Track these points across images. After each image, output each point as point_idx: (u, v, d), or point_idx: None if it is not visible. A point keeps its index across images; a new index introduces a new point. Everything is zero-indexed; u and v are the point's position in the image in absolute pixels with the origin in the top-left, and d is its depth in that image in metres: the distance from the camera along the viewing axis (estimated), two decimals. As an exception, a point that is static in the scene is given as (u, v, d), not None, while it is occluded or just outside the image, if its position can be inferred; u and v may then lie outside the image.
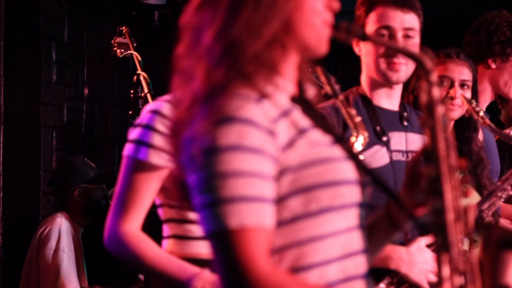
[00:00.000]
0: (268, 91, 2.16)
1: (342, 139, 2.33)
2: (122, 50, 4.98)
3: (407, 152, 3.74)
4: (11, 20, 7.47)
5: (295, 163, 2.11)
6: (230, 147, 2.00)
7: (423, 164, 2.26)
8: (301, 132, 2.16)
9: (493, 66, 5.04)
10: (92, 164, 6.63)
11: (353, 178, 2.25)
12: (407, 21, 3.64)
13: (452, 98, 4.25)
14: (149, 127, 3.13)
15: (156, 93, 4.48)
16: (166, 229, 3.31)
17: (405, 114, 3.81)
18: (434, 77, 2.27)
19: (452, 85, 4.29)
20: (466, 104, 4.16)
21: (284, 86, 2.23)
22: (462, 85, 4.30)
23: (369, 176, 2.32)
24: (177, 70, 2.26)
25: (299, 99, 2.28)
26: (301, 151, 2.12)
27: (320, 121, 2.29)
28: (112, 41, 5.03)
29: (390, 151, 3.71)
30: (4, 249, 7.24)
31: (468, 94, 4.33)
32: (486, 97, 5.06)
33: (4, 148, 7.40)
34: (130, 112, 4.72)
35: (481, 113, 4.13)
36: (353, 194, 2.24)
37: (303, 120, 2.21)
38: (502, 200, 4.01)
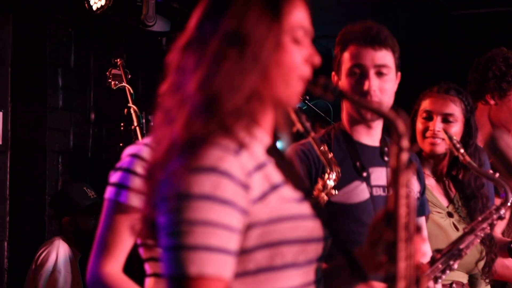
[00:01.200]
0: (246, 142, 2.20)
1: (311, 193, 2.39)
2: (116, 82, 5.05)
3: (387, 187, 3.74)
4: (18, 47, 7.60)
5: (265, 217, 2.16)
6: (203, 196, 2.04)
7: (384, 225, 2.30)
8: (273, 187, 2.20)
9: (492, 102, 5.03)
10: (91, 194, 6.64)
11: (319, 235, 2.31)
12: (378, 58, 3.66)
13: (430, 131, 4.31)
14: (129, 171, 3.18)
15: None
16: (148, 268, 3.36)
17: (386, 149, 3.83)
18: (405, 142, 2.29)
19: (431, 118, 4.35)
20: (447, 139, 4.18)
21: (261, 137, 2.28)
22: (445, 119, 4.33)
23: (331, 233, 2.38)
24: (160, 107, 2.31)
25: (273, 151, 2.33)
26: (272, 206, 2.17)
27: (291, 174, 2.34)
28: (108, 72, 5.11)
29: (370, 186, 3.71)
30: (10, 272, 7.34)
31: (455, 129, 4.36)
32: (486, 134, 5.03)
33: (11, 172, 7.51)
34: (121, 144, 4.78)
35: (461, 150, 4.14)
36: (317, 250, 2.31)
37: (276, 175, 2.25)
38: (479, 239, 4.01)
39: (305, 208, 2.29)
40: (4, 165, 7.48)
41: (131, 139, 4.68)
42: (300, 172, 2.51)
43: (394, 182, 2.30)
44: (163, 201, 2.11)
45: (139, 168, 3.14)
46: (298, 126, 3.37)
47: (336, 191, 3.49)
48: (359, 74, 3.67)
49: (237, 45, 2.19)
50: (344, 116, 3.85)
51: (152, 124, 3.50)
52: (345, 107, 3.82)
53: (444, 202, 4.40)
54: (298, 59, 2.29)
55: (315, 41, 2.41)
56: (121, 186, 3.17)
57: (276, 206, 2.18)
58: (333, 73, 3.82)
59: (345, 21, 3.87)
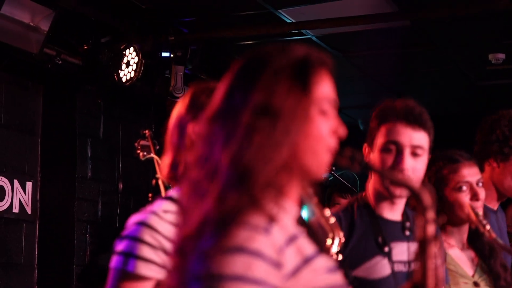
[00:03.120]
0: (276, 216, 2.19)
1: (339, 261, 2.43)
2: (145, 153, 5.10)
3: (409, 262, 3.74)
4: (48, 117, 7.74)
5: None
6: (235, 277, 2.04)
7: None
8: (306, 260, 2.19)
9: (495, 165, 4.96)
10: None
11: None
12: (416, 139, 3.66)
13: (477, 199, 4.26)
14: (136, 239, 3.13)
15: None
16: None
17: (407, 223, 3.81)
18: (431, 214, 2.33)
19: (472, 188, 4.29)
20: (473, 215, 4.16)
21: (290, 209, 2.29)
22: (477, 184, 4.31)
23: None
24: (187, 178, 2.31)
25: (303, 221, 2.39)
26: (305, 280, 2.17)
27: (322, 244, 2.39)
28: (136, 143, 5.17)
29: (391, 262, 3.69)
30: None
31: (483, 193, 4.34)
32: (492, 196, 5.00)
33: (39, 242, 7.56)
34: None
35: (488, 227, 4.11)
36: None
37: (308, 246, 2.25)
38: None
39: (338, 277, 2.28)
40: (33, 235, 7.54)
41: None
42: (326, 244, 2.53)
43: (421, 253, 2.33)
44: (196, 280, 2.10)
45: (147, 236, 3.11)
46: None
47: (341, 256, 3.50)
48: (394, 151, 3.67)
49: (268, 118, 2.19)
50: (370, 189, 3.85)
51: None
52: (372, 181, 3.82)
53: (469, 271, 4.37)
54: (325, 130, 2.30)
55: (341, 111, 2.43)
56: (128, 255, 3.12)
57: (309, 279, 2.18)
58: (365, 144, 3.82)
59: (371, 92, 3.94)
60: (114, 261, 3.17)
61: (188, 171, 2.33)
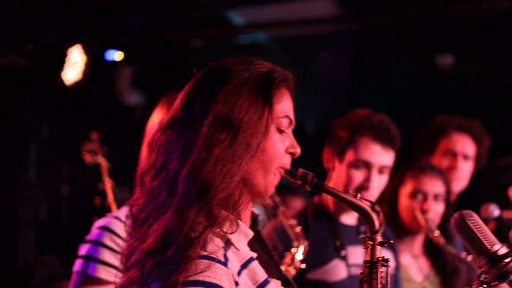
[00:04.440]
0: (232, 239, 2.18)
1: (288, 281, 2.39)
2: (91, 156, 4.99)
3: (362, 279, 3.78)
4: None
5: None
6: None
7: None
8: (258, 286, 2.20)
9: None
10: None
11: None
12: (386, 160, 3.77)
13: (426, 211, 4.31)
14: (98, 243, 3.18)
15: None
16: None
17: (362, 227, 3.84)
18: (379, 237, 2.38)
19: (426, 198, 4.36)
20: (423, 221, 4.22)
21: (245, 231, 2.26)
22: (436, 198, 4.36)
23: None
24: (141, 185, 2.28)
25: (255, 243, 2.32)
26: None
27: (274, 266, 2.37)
28: (83, 146, 5.05)
29: (348, 265, 3.72)
30: None
31: (441, 207, 4.38)
32: None
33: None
34: (94, 218, 4.71)
35: (436, 232, 4.20)
36: None
37: (260, 270, 2.23)
38: None
39: None
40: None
41: (105, 213, 4.60)
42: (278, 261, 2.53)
43: (369, 275, 2.37)
44: None
45: (109, 240, 3.16)
46: (268, 201, 3.38)
47: (304, 264, 3.52)
48: (364, 169, 3.74)
49: (228, 131, 2.17)
50: None
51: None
52: (333, 185, 3.83)
53: (418, 277, 4.39)
54: (281, 149, 2.29)
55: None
56: (90, 258, 3.17)
57: None
58: (329, 149, 3.85)
59: (322, 94, 3.94)
60: (77, 264, 3.20)
61: (141, 177, 2.28)
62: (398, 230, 4.39)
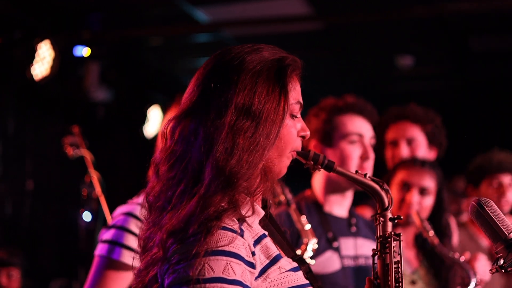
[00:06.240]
0: (249, 219, 2.25)
1: (303, 262, 2.46)
2: (74, 149, 4.98)
3: (356, 257, 3.83)
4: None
5: None
6: (214, 279, 2.10)
7: None
8: (272, 260, 2.26)
9: None
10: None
11: None
12: (371, 131, 3.91)
13: (407, 202, 4.36)
14: (124, 229, 3.22)
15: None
16: None
17: (353, 220, 3.92)
18: (389, 213, 2.44)
19: (408, 190, 4.42)
20: (418, 221, 4.27)
21: (259, 211, 2.32)
22: (422, 192, 4.44)
23: None
24: (156, 173, 2.33)
25: (266, 222, 2.40)
26: (272, 279, 2.24)
27: (285, 244, 2.44)
28: (63, 140, 5.03)
29: (341, 257, 3.78)
30: None
31: (429, 201, 4.45)
32: None
33: None
34: (83, 210, 4.72)
35: (431, 232, 4.22)
36: None
37: (272, 246, 2.30)
38: None
39: (301, 276, 2.34)
40: None
41: (91, 204, 4.62)
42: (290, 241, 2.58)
43: (382, 250, 2.42)
44: (179, 282, 2.15)
45: (134, 226, 3.20)
46: (281, 198, 3.45)
47: (313, 260, 3.55)
48: (356, 142, 3.84)
49: (251, 121, 2.24)
50: (319, 186, 3.91)
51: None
52: (324, 178, 3.90)
53: (407, 269, 4.43)
54: (294, 134, 2.37)
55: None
56: (115, 243, 3.20)
57: (275, 279, 2.24)
58: (312, 140, 3.91)
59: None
60: (100, 248, 3.21)
61: (156, 166, 2.34)
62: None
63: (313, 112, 3.96)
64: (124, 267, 3.18)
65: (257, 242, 2.25)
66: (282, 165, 2.38)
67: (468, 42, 8.67)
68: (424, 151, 5.02)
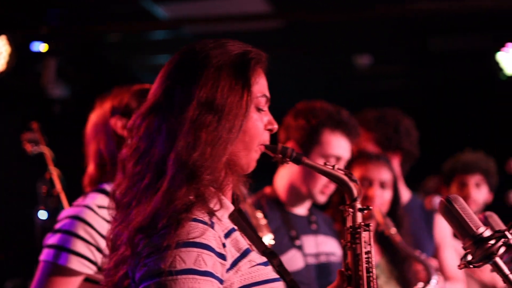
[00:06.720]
0: (217, 211, 2.26)
1: (274, 255, 2.48)
2: (33, 146, 4.88)
3: (318, 254, 3.84)
4: None
5: (237, 285, 2.24)
6: (186, 271, 2.12)
7: (345, 286, 2.42)
8: (242, 254, 2.27)
9: None
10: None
11: None
12: (349, 153, 3.93)
13: (369, 197, 4.37)
14: (70, 233, 3.11)
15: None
16: None
17: (313, 217, 3.92)
18: (358, 204, 2.47)
19: (371, 185, 4.45)
20: (380, 218, 4.29)
21: (227, 205, 2.34)
22: (382, 186, 4.46)
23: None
24: (124, 170, 2.33)
25: (235, 216, 2.39)
26: (242, 273, 2.25)
27: (255, 238, 2.44)
28: (22, 136, 4.94)
29: (304, 255, 3.79)
30: None
31: (389, 194, 4.47)
32: None
33: None
34: (41, 208, 4.63)
35: (393, 230, 4.25)
36: None
37: (242, 240, 2.32)
38: None
39: (271, 271, 2.36)
40: None
41: (52, 202, 4.53)
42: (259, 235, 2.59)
43: (352, 241, 2.43)
44: (149, 275, 2.14)
45: (82, 231, 3.09)
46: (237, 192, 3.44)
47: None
48: (333, 161, 3.80)
49: (213, 115, 2.26)
50: (283, 184, 3.90)
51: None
52: (294, 178, 3.87)
53: None
54: (260, 127, 2.39)
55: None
56: (61, 249, 3.09)
57: (246, 272, 2.26)
58: (289, 142, 3.88)
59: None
60: (45, 254, 3.11)
61: (122, 163, 2.35)
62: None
63: (304, 112, 3.93)
64: (71, 272, 3.08)
65: (227, 235, 2.26)
66: (250, 158, 2.39)
67: (427, 42, 8.72)
68: None
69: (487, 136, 8.39)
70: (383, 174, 4.47)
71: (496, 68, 7.23)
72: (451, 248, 4.98)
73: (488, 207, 5.63)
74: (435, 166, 6.23)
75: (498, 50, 7.21)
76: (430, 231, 4.94)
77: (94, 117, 3.51)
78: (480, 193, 5.75)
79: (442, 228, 4.95)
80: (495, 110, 9.17)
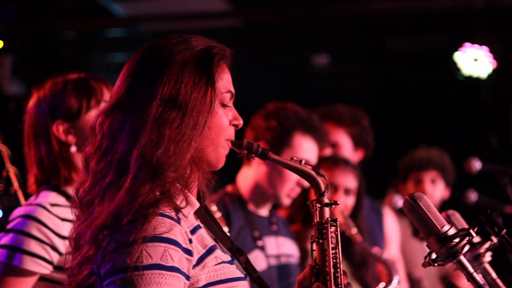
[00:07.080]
0: (183, 208, 2.24)
1: (240, 252, 2.45)
2: (-12, 143, 4.80)
3: (278, 255, 3.83)
4: None
5: (203, 282, 2.22)
6: (152, 266, 2.10)
7: (313, 280, 2.41)
8: (208, 250, 2.26)
9: None
10: None
11: None
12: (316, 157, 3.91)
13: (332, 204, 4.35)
14: (23, 233, 3.03)
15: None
16: None
17: (273, 219, 3.91)
18: (325, 199, 2.45)
19: (336, 191, 4.40)
20: (343, 219, 4.25)
21: (193, 202, 2.32)
22: (347, 192, 4.44)
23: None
24: (87, 168, 2.30)
25: (201, 214, 2.40)
26: (209, 269, 2.23)
27: (220, 235, 2.44)
28: (-23, 133, 4.86)
29: (266, 256, 3.77)
30: None
31: (352, 200, 4.47)
32: None
33: None
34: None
35: (354, 230, 4.24)
36: None
37: (208, 237, 2.30)
38: None
39: (235, 270, 2.34)
40: None
41: (9, 200, 4.45)
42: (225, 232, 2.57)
43: (319, 236, 2.42)
44: (115, 272, 2.12)
45: (35, 230, 3.01)
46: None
47: None
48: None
49: (177, 112, 2.23)
50: (249, 183, 3.87)
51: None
52: (260, 179, 3.85)
53: None
54: (226, 123, 2.37)
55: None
56: (15, 249, 3.00)
57: (212, 269, 2.24)
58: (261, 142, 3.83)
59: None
60: None
61: (86, 161, 2.31)
62: (310, 219, 4.43)
63: (275, 113, 3.90)
64: (26, 273, 3.00)
65: (193, 231, 2.25)
66: (218, 154, 2.38)
67: (384, 41, 8.77)
68: (349, 153, 5.01)
69: (445, 136, 8.44)
70: (349, 181, 4.45)
71: (454, 68, 7.29)
72: (395, 244, 5.01)
73: (446, 206, 5.66)
74: (392, 165, 6.24)
75: (456, 50, 7.28)
76: (381, 226, 4.96)
77: (32, 116, 3.43)
78: (436, 189, 5.79)
79: (391, 223, 5.00)
80: (453, 110, 9.24)
